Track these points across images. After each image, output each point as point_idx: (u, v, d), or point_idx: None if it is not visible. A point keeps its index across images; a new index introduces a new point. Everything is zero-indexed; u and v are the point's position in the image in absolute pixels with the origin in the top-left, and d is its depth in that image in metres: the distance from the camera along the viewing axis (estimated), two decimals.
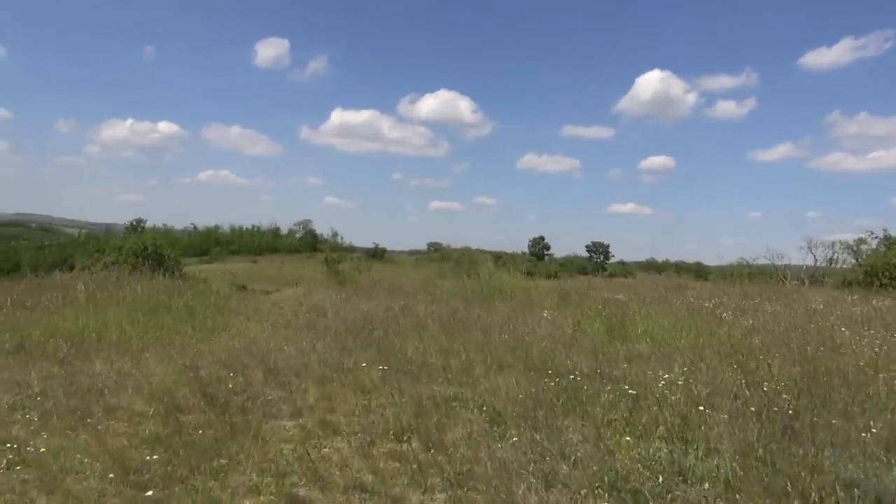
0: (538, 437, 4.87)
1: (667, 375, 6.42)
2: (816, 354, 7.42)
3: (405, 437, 5.24)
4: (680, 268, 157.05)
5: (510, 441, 4.92)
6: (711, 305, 13.75)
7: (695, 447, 4.54)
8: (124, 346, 9.05)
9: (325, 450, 5.05)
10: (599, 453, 4.50)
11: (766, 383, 6.03)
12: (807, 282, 49.06)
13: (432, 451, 4.88)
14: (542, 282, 16.25)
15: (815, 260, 52.74)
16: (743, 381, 6.14)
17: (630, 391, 5.84)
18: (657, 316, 10.54)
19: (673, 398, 5.64)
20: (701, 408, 5.23)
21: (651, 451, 4.51)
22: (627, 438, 4.82)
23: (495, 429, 5.32)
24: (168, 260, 29.71)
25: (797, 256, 48.05)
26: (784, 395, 5.58)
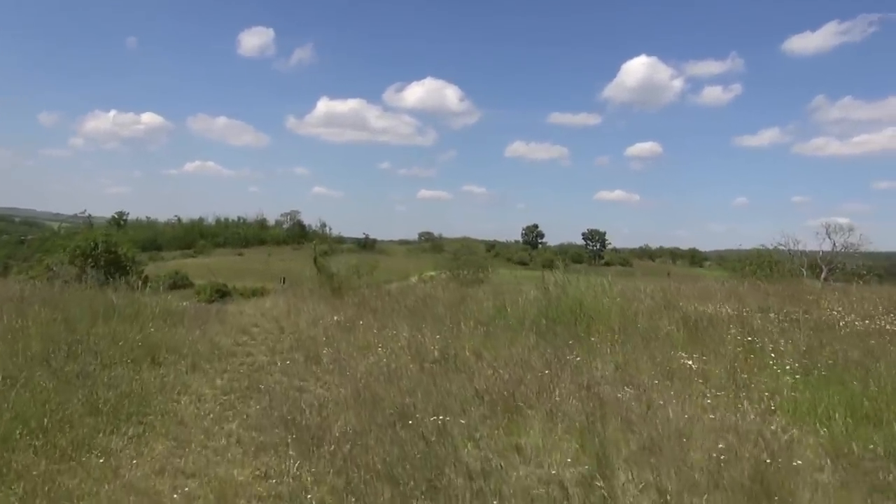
0: None
1: None
2: None
3: None
4: (675, 255, 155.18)
5: None
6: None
7: None
8: None
9: None
10: None
11: None
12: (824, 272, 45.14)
13: None
14: (595, 278, 11.33)
15: (834, 245, 48.61)
16: None
17: None
18: None
19: None
20: None
21: None
22: None
23: None
24: (124, 260, 24.84)
25: (813, 242, 43.88)
26: None
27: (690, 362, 6.88)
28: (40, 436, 4.94)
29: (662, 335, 8.30)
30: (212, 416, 5.98)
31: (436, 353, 7.74)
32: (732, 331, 8.63)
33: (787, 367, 6.96)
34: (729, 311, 10.97)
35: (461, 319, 9.77)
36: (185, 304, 14.56)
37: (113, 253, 24.38)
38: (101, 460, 4.65)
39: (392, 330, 9.74)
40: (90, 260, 23.31)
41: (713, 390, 6.31)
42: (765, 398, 6.07)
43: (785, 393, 6.23)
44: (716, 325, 8.90)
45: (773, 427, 5.19)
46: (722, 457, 4.28)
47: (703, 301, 12.40)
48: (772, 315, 10.79)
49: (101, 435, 5.17)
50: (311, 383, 7.17)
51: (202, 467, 4.67)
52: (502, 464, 4.48)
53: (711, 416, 5.30)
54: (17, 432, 4.92)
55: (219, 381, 7.37)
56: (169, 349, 8.87)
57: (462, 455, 4.64)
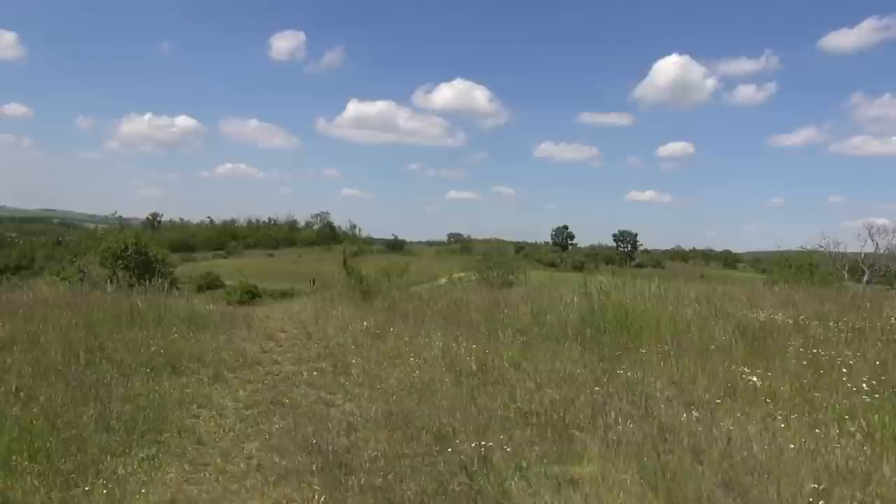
0: None
1: None
2: None
3: None
4: (708, 256, 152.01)
5: None
6: None
7: None
8: None
9: None
10: None
11: None
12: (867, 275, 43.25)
13: None
14: (636, 284, 10.56)
15: (877, 247, 46.59)
16: None
17: None
18: None
19: None
20: None
21: None
22: None
23: None
24: (154, 262, 24.77)
25: (854, 244, 42.07)
26: None
27: (754, 378, 6.19)
28: (44, 459, 4.51)
29: (718, 346, 7.60)
30: (232, 434, 5.50)
31: (472, 365, 7.16)
32: (794, 342, 7.90)
33: (864, 386, 6.23)
34: (784, 318, 10.20)
35: (497, 327, 9.18)
36: (211, 307, 14.25)
37: (143, 255, 24.33)
38: (108, 488, 4.18)
39: (424, 337, 9.20)
40: (120, 262, 23.25)
41: (783, 411, 5.63)
42: (842, 420, 5.37)
43: (863, 414, 5.52)
44: (774, 334, 8.15)
45: (862, 459, 4.50)
46: (821, 502, 3.62)
47: (753, 307, 11.62)
48: (831, 324, 9.99)
49: (110, 457, 4.71)
50: (339, 396, 6.66)
51: (217, 498, 4.18)
52: (556, 502, 3.89)
53: (791, 446, 4.63)
54: (20, 454, 4.50)
55: (241, 393, 6.91)
56: (192, 357, 8.47)
57: (509, 490, 4.07)
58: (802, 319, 10.20)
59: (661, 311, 8.51)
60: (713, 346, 7.61)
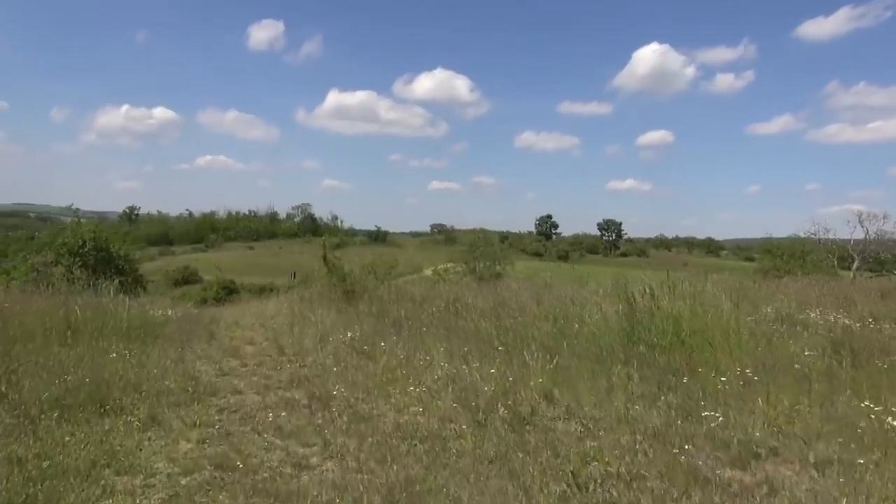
0: None
1: None
2: None
3: None
4: (691, 244, 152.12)
5: None
6: None
7: None
8: None
9: None
10: None
11: None
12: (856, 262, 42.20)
13: None
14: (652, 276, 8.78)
15: (867, 233, 45.53)
16: None
17: None
18: None
19: None
20: None
21: None
22: None
23: None
24: (117, 258, 22.67)
25: (845, 230, 41.09)
26: None
27: (891, 419, 4.48)
28: None
29: (804, 366, 5.89)
30: None
31: (498, 406, 5.37)
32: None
33: None
34: (852, 322, 8.57)
35: (515, 340, 7.41)
36: (170, 312, 12.30)
37: (104, 250, 22.20)
38: None
39: (423, 354, 7.39)
40: (78, 259, 21.14)
41: None
42: None
43: None
44: (873, 348, 6.46)
45: None
46: None
47: (801, 306, 9.99)
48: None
49: None
50: (315, 450, 4.84)
51: None
52: None
53: None
54: None
55: (182, 446, 5.06)
56: (127, 386, 6.59)
57: None
58: (871, 322, 8.60)
59: (716, 319, 6.77)
60: (797, 366, 5.90)
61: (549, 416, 5.27)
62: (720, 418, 4.55)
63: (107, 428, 5.39)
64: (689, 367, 5.78)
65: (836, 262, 40.27)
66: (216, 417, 5.77)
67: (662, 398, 5.12)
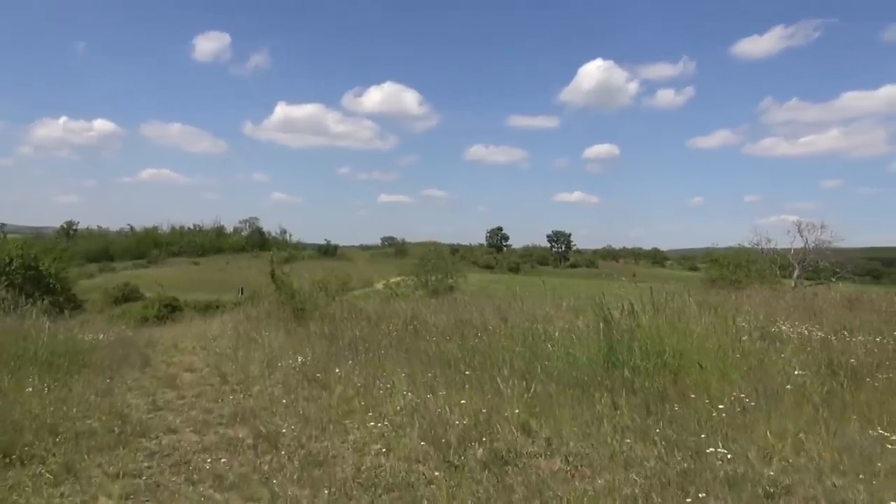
0: None
1: None
2: None
3: None
4: (637, 255, 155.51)
5: None
6: None
7: None
8: None
9: None
10: None
11: None
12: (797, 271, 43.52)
13: None
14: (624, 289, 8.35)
15: (806, 243, 47.10)
16: None
17: None
18: None
19: None
20: None
21: None
22: None
23: None
24: (48, 276, 21.14)
25: (783, 240, 42.51)
26: None
27: None
28: None
29: (798, 389, 5.47)
30: None
31: (472, 443, 4.74)
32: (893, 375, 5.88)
33: None
34: (820, 333, 8.31)
35: (483, 363, 6.81)
36: (101, 336, 11.21)
37: (33, 268, 20.67)
38: None
39: (384, 382, 6.70)
40: (3, 278, 19.61)
41: None
42: None
43: None
44: (864, 367, 6.11)
45: None
46: None
47: (769, 319, 9.73)
48: (880, 339, 8.18)
49: None
50: None
51: None
52: None
53: None
54: None
55: (102, 503, 4.25)
56: (42, 427, 5.68)
57: None
58: (845, 334, 8.34)
59: (703, 338, 6.33)
60: (789, 386, 5.49)
61: (529, 451, 4.67)
62: (728, 455, 4.03)
63: (10, 483, 4.52)
64: (678, 392, 5.28)
65: (778, 271, 41.37)
66: (144, 465, 4.95)
67: (657, 430, 4.58)
